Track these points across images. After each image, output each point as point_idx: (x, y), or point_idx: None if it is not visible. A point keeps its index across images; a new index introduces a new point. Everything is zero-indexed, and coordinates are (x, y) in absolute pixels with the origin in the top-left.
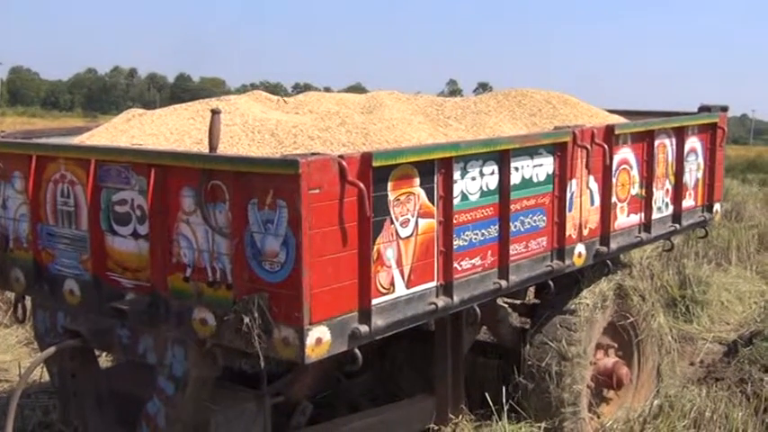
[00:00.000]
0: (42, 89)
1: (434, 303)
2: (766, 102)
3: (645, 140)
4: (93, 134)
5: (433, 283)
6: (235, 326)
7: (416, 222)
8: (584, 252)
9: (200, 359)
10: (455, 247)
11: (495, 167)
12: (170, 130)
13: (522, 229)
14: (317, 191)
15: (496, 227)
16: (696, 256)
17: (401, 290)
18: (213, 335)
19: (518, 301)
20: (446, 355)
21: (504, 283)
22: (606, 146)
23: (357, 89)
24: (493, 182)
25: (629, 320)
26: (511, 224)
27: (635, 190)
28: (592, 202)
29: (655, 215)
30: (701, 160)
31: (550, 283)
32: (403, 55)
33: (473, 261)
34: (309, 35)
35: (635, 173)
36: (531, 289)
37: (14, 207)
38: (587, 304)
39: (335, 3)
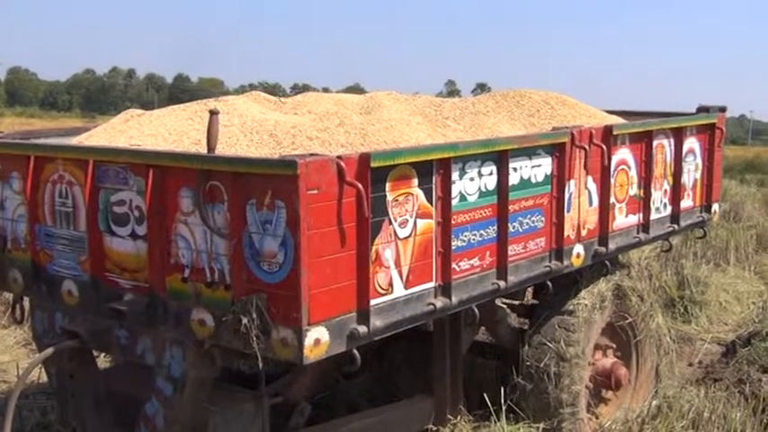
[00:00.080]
0: (40, 89)
1: (433, 304)
2: (765, 102)
3: (643, 141)
4: (91, 135)
5: (431, 284)
6: (233, 326)
7: (415, 223)
8: (582, 253)
9: (199, 360)
10: (453, 247)
11: (494, 168)
12: (168, 130)
13: (521, 230)
14: (316, 191)
15: (495, 227)
16: (694, 257)
17: (399, 290)
18: (211, 336)
19: (516, 302)
20: (445, 355)
21: (502, 283)
22: (604, 146)
23: (355, 90)
24: (491, 182)
25: (627, 321)
26: (509, 225)
27: (633, 190)
28: (590, 203)
29: (653, 216)
30: (699, 161)
31: (549, 283)
32: (401, 55)
33: (471, 262)
34: (308, 36)
35: (633, 173)
36: (530, 289)
37: (12, 208)
38: (586, 305)
39: (334, 3)
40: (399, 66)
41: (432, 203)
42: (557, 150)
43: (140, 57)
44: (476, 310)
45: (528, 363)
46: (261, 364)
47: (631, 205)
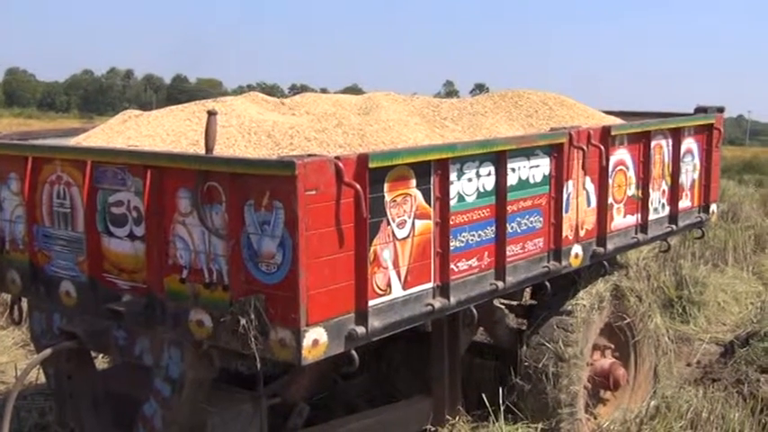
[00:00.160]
0: (39, 90)
1: (431, 304)
2: (763, 103)
3: (641, 141)
4: (89, 135)
5: (429, 285)
6: (231, 327)
7: (413, 223)
8: (580, 253)
9: (197, 361)
10: (452, 248)
11: (492, 169)
12: (166, 131)
13: (519, 231)
14: (314, 192)
15: (493, 228)
16: (693, 257)
17: (398, 291)
18: (210, 336)
19: (515, 303)
20: (443, 356)
21: (500, 284)
22: (602, 147)
23: (353, 90)
24: (489, 183)
25: (625, 321)
26: (507, 225)
27: (631, 191)
28: (588, 203)
29: (651, 216)
30: (697, 161)
31: (547, 284)
32: (399, 56)
33: (470, 262)
34: (306, 36)
35: (631, 174)
36: (528, 290)
37: (10, 208)
38: (584, 305)
39: (332, 4)
40: (397, 66)
41: (430, 204)
42: (555, 151)
43: (138, 57)
44: (474, 311)
45: (526, 363)
46: (259, 365)
47: (629, 206)
